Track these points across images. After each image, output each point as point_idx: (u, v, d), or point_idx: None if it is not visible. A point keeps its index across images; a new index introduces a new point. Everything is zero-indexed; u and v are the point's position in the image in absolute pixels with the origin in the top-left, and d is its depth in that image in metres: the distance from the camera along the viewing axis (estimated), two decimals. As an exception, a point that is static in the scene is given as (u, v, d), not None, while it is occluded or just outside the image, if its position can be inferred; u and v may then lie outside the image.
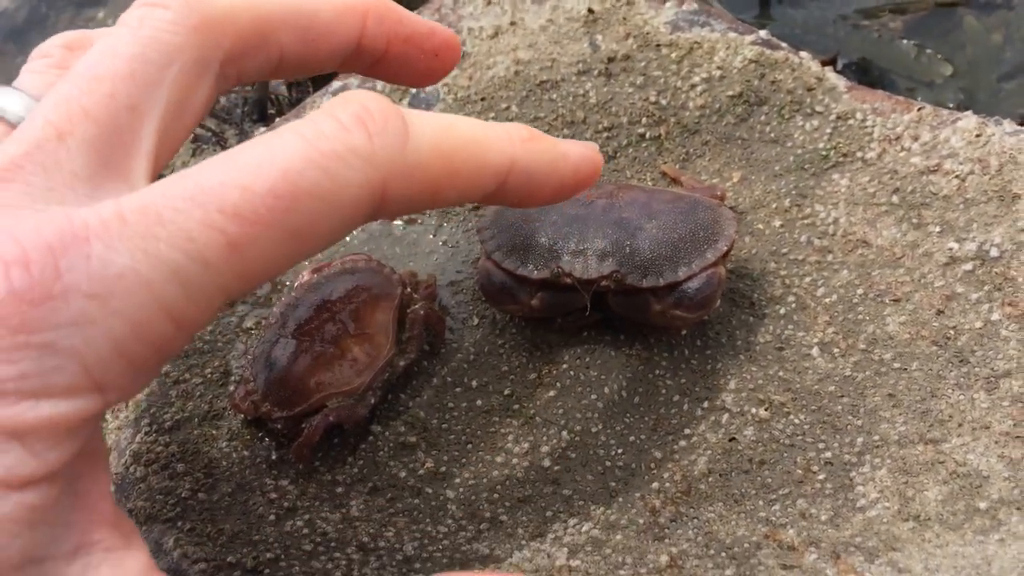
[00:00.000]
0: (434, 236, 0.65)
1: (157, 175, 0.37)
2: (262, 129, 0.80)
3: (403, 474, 0.56)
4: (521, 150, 0.39)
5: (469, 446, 0.57)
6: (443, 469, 0.56)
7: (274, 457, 0.57)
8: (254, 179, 0.32)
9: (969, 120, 0.63)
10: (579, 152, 0.41)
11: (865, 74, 0.85)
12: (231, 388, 0.59)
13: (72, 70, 0.36)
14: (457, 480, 0.55)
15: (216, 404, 0.59)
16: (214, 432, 0.58)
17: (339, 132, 0.34)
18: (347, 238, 0.66)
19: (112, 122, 0.35)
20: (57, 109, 0.34)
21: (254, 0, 0.40)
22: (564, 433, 0.56)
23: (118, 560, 0.33)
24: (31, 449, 0.30)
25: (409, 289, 0.60)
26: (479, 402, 0.58)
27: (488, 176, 0.38)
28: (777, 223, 0.63)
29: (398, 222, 0.66)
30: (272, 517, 0.54)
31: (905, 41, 0.87)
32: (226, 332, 0.62)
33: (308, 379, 0.55)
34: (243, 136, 0.84)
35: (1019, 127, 0.63)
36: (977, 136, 0.62)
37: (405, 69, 0.45)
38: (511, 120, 0.68)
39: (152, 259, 0.31)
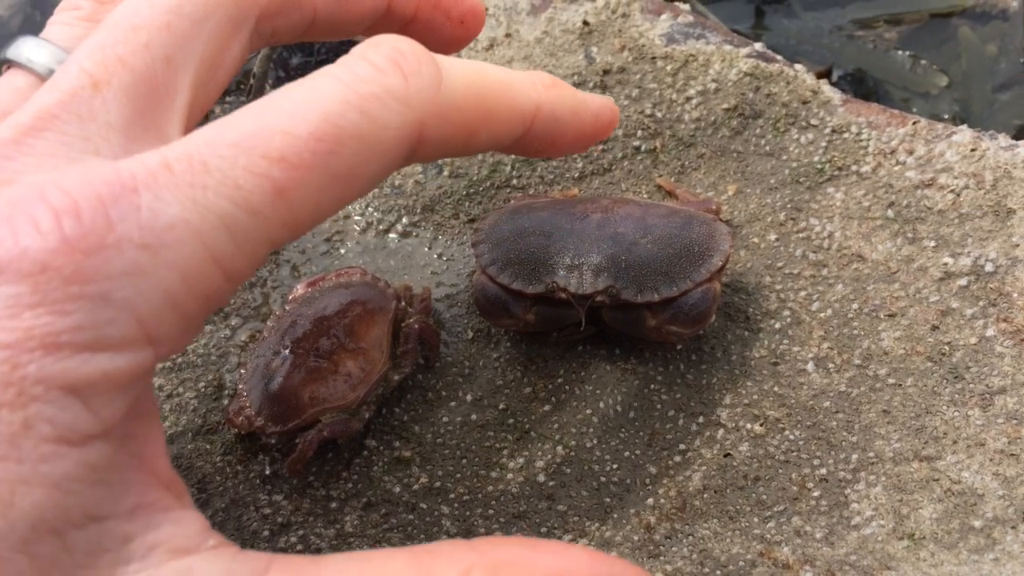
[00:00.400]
0: (429, 249, 0.65)
1: (190, 129, 0.36)
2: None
3: (397, 489, 0.55)
4: (546, 95, 0.40)
5: (464, 461, 0.56)
6: (437, 484, 0.55)
7: (268, 472, 0.56)
8: (296, 123, 0.32)
9: (964, 134, 0.63)
10: (600, 101, 0.43)
11: (860, 85, 0.85)
12: (225, 402, 0.59)
13: (107, 20, 0.36)
14: (452, 495, 0.55)
15: (210, 418, 0.59)
16: (208, 447, 0.58)
17: (375, 74, 0.34)
18: (342, 250, 0.66)
19: (148, 73, 0.34)
20: (93, 57, 0.34)
21: None
22: (559, 448, 0.56)
23: (177, 519, 0.32)
24: (88, 404, 0.30)
25: (404, 303, 0.60)
26: (474, 417, 0.58)
27: (517, 118, 0.39)
28: (772, 237, 0.63)
29: (392, 235, 0.66)
30: (266, 533, 0.54)
31: (900, 52, 0.88)
32: (220, 346, 0.62)
33: (302, 394, 0.54)
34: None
35: (1014, 142, 0.63)
36: (972, 151, 0.62)
37: (431, 35, 0.45)
38: (506, 132, 0.68)
39: (201, 208, 0.30)
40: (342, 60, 0.35)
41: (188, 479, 0.56)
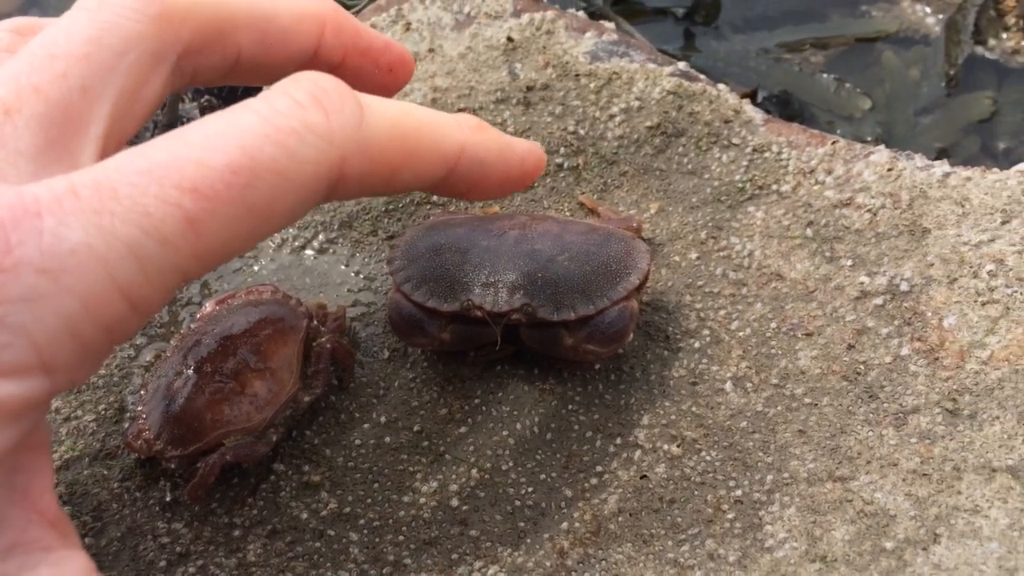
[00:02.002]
0: (346, 266, 0.64)
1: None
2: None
3: (305, 515, 0.53)
4: (471, 138, 0.40)
5: (376, 485, 0.54)
6: (347, 510, 0.53)
7: (169, 499, 0.54)
8: (210, 155, 0.32)
9: (881, 154, 0.64)
10: (526, 146, 0.43)
11: (786, 107, 0.86)
12: (126, 425, 0.56)
13: (24, 49, 0.35)
14: (361, 521, 0.53)
15: (109, 442, 0.56)
16: (106, 472, 0.55)
17: (295, 109, 0.34)
18: (256, 267, 0.64)
19: (63, 102, 0.34)
20: (6, 85, 0.34)
21: None
22: (474, 471, 0.55)
23: (57, 560, 0.31)
24: None
25: (316, 321, 0.58)
26: (387, 439, 0.56)
27: (440, 159, 0.39)
28: (693, 255, 0.62)
29: (309, 251, 0.64)
30: (163, 563, 0.51)
31: (825, 75, 0.89)
32: (123, 366, 0.59)
33: (204, 416, 0.52)
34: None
35: (930, 162, 0.63)
36: (889, 170, 0.63)
37: (359, 82, 0.44)
38: (427, 148, 0.67)
39: (107, 234, 0.30)
40: (262, 94, 0.35)
41: (83, 507, 0.53)
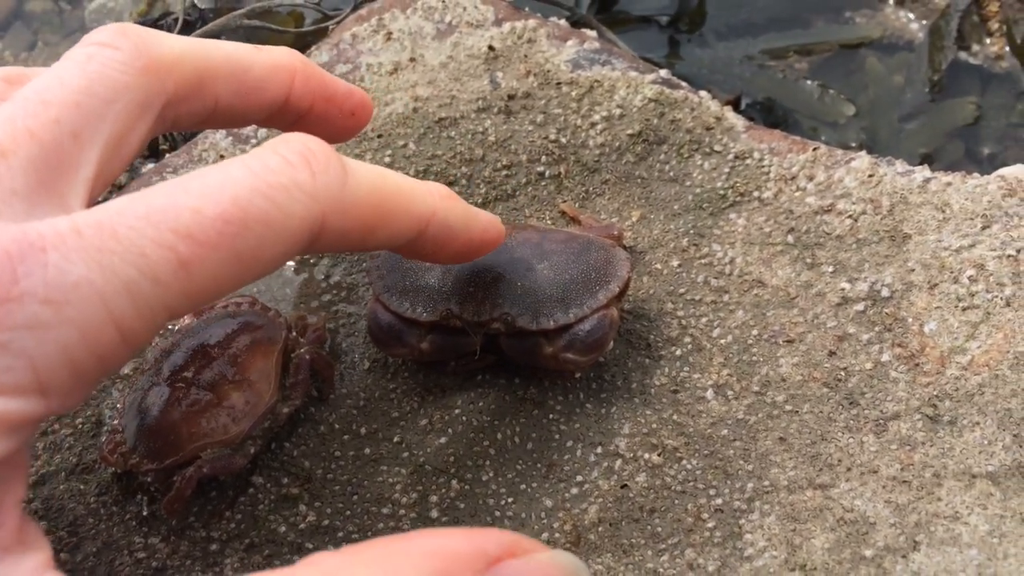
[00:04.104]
0: (325, 278, 0.63)
1: (93, 201, 0.38)
2: (150, 165, 0.77)
3: (283, 529, 0.53)
4: (441, 205, 0.44)
5: (355, 497, 0.54)
6: (326, 523, 0.53)
7: (145, 513, 0.53)
8: (205, 204, 0.34)
9: (862, 160, 0.64)
10: (488, 217, 0.48)
11: (770, 114, 0.86)
12: (102, 439, 0.56)
13: (18, 93, 0.37)
14: (340, 534, 0.53)
15: (86, 456, 0.56)
16: (82, 487, 0.54)
17: (285, 167, 0.37)
18: (235, 279, 0.63)
19: (55, 146, 0.36)
20: (2, 128, 0.35)
21: (197, 50, 0.42)
22: (454, 482, 0.54)
23: (14, 561, 0.33)
24: None
25: (295, 333, 0.58)
26: (367, 450, 0.56)
27: (412, 222, 0.42)
28: (675, 263, 0.62)
29: (290, 263, 0.64)
30: (139, 578, 0.51)
31: (809, 82, 0.89)
32: (101, 379, 0.59)
33: (181, 428, 0.52)
34: (134, 171, 0.81)
35: (910, 168, 0.63)
36: (870, 176, 0.63)
37: (324, 125, 0.48)
38: (408, 158, 0.67)
39: (106, 272, 0.32)
40: (254, 151, 0.37)
41: (59, 521, 0.53)
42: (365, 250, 0.43)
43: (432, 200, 0.43)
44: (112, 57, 0.39)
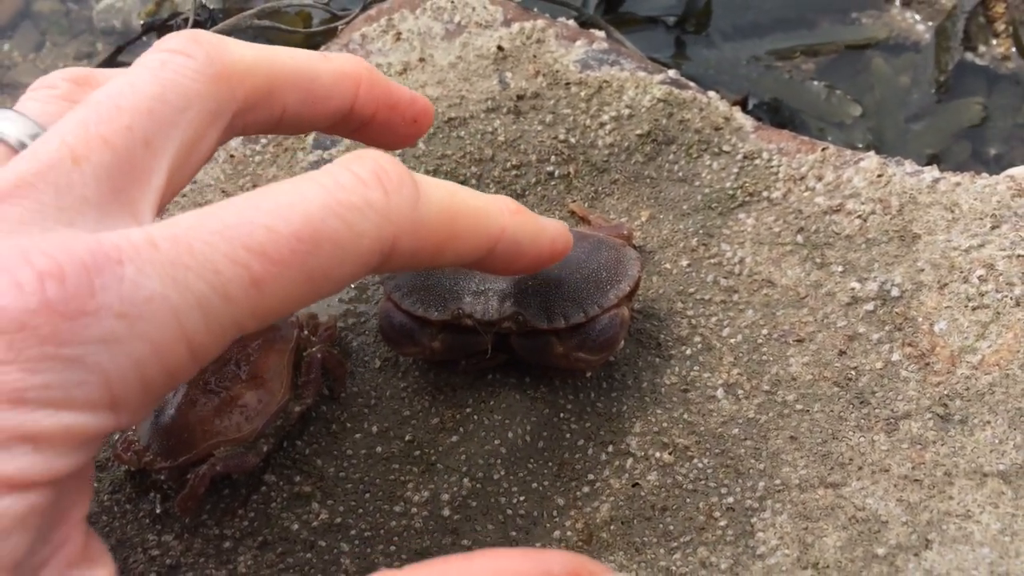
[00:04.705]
0: (337, 276, 0.63)
1: (162, 210, 0.38)
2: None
3: (296, 526, 0.53)
4: (510, 221, 0.43)
5: (367, 495, 0.54)
6: (338, 520, 0.53)
7: (159, 511, 0.54)
8: (278, 222, 0.34)
9: (871, 160, 0.64)
10: (556, 227, 0.46)
11: (776, 114, 0.86)
12: (115, 437, 0.56)
13: (90, 98, 0.37)
14: (352, 532, 0.53)
15: (99, 454, 0.56)
16: (95, 484, 0.55)
17: (358, 186, 0.36)
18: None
19: (128, 153, 0.36)
20: (75, 132, 0.35)
21: (267, 59, 0.42)
22: (466, 480, 0.54)
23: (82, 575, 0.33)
24: (43, 453, 0.30)
25: (307, 332, 0.58)
26: (379, 449, 0.56)
27: (483, 240, 0.42)
28: (684, 262, 0.62)
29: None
30: (153, 575, 0.51)
31: (815, 82, 0.89)
32: (113, 377, 0.59)
33: (194, 427, 0.52)
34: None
35: (919, 168, 0.63)
36: (879, 176, 0.63)
37: (387, 132, 0.47)
38: (417, 158, 0.67)
39: (180, 287, 0.32)
40: (326, 168, 0.37)
41: (73, 519, 0.53)
42: (436, 267, 0.42)
43: (503, 218, 0.42)
44: (185, 64, 0.38)
